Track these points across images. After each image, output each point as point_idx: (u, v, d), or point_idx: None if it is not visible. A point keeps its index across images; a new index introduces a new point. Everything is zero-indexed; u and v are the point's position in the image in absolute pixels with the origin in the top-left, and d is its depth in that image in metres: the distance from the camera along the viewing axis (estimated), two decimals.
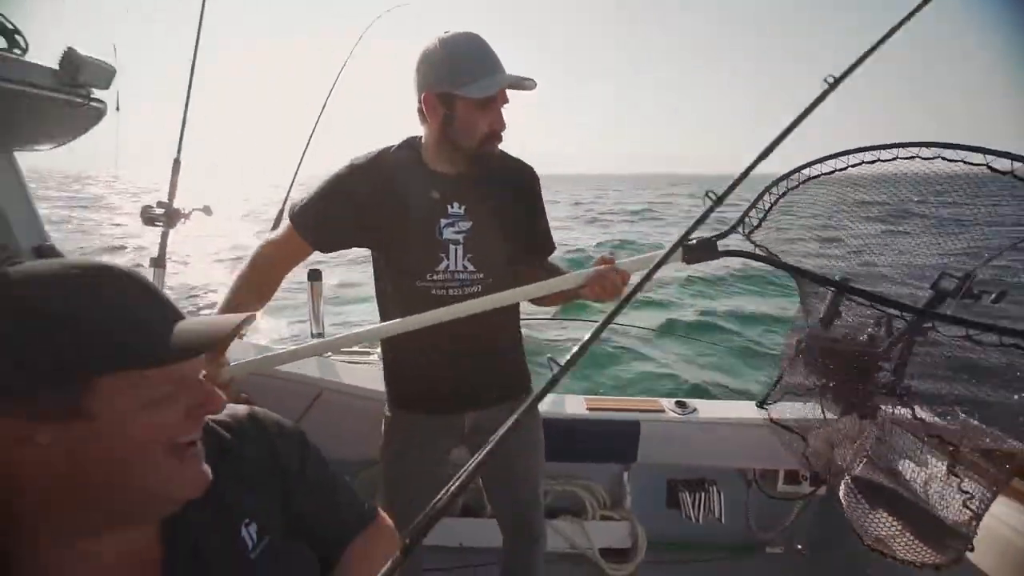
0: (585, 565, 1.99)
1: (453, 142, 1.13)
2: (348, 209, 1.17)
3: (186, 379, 0.52)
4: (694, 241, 1.03)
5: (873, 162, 1.05)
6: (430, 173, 1.19)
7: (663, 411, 1.98)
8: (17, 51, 1.49)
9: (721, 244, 1.06)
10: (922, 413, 1.14)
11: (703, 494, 2.07)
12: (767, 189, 1.10)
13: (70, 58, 1.50)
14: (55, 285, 0.47)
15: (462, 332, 1.10)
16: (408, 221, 1.17)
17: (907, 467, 1.24)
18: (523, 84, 1.11)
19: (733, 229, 1.09)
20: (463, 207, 1.19)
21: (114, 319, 0.48)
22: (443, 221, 1.18)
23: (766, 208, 1.10)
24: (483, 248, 1.21)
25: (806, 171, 1.09)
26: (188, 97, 1.92)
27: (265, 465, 0.67)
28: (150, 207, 1.89)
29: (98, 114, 1.67)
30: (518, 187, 1.28)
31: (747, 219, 1.10)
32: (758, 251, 1.10)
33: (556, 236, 1.37)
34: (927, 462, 1.20)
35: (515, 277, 1.25)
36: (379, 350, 1.62)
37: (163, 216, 1.92)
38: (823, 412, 1.36)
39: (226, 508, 0.60)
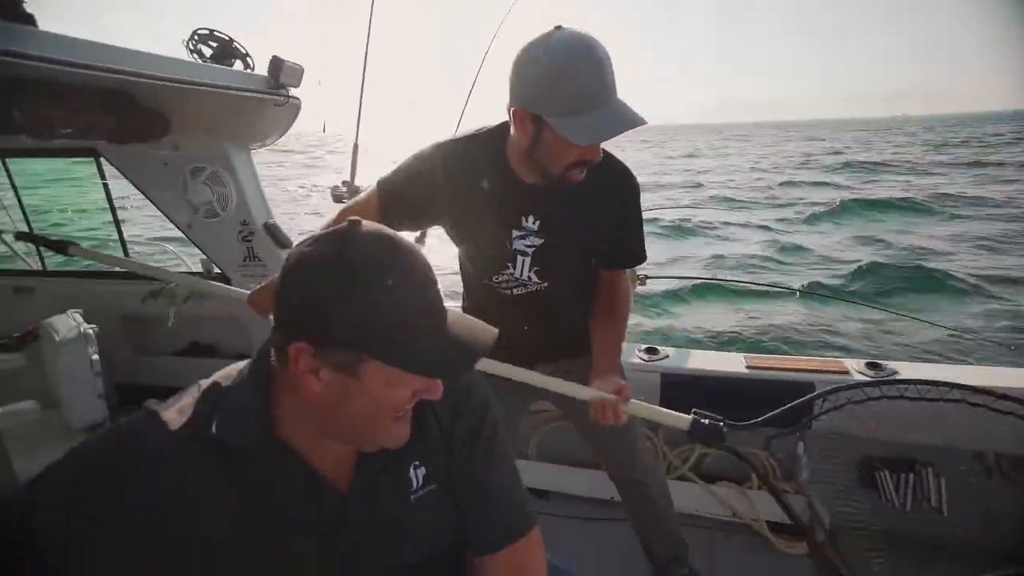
0: (748, 537, 1.77)
1: (536, 162, 1.04)
2: (425, 190, 1.12)
3: None
4: (706, 421, 1.19)
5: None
6: (512, 177, 1.11)
7: (847, 372, 1.64)
8: (248, 69, 1.94)
9: (731, 435, 1.17)
10: None
11: (911, 476, 1.65)
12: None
13: (275, 64, 1.89)
14: (388, 263, 0.56)
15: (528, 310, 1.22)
16: (481, 225, 1.15)
17: None
18: (631, 126, 0.94)
19: (749, 427, 1.19)
20: (537, 222, 1.14)
21: (408, 321, 0.57)
22: (515, 233, 1.15)
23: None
24: (552, 261, 1.18)
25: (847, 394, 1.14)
26: (363, 84, 2.22)
27: (447, 424, 0.72)
28: (337, 187, 2.26)
29: (297, 109, 2.07)
30: (611, 199, 1.16)
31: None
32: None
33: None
34: None
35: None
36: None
37: (347, 195, 2.28)
38: None
39: (406, 445, 0.65)
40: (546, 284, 1.20)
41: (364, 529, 0.65)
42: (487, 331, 0.63)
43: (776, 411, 1.33)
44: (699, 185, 20.06)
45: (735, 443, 1.82)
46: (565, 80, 0.93)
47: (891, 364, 1.64)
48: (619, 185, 1.17)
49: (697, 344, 5.52)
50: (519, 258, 1.17)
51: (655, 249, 10.75)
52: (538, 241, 1.15)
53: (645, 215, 1.23)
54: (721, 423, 1.19)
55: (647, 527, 1.55)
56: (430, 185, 1.12)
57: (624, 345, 1.96)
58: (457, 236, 1.22)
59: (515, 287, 1.21)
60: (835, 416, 1.63)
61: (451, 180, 1.11)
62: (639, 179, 1.19)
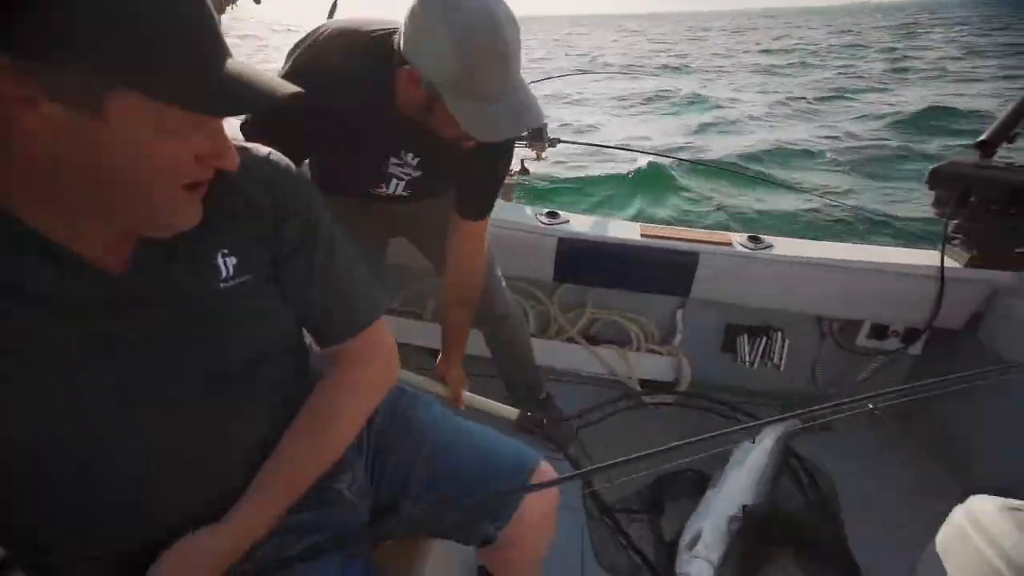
0: (621, 391, 1.96)
1: (425, 121, 0.97)
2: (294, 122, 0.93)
3: (206, 124, 0.50)
4: (529, 413, 1.34)
5: None
6: (395, 111, 1.00)
7: (730, 244, 1.72)
8: None
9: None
10: None
11: (764, 339, 1.87)
12: None
13: None
14: None
15: None
16: (356, 149, 1.09)
17: None
18: (531, 125, 1.00)
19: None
20: (416, 159, 1.14)
21: (174, 36, 0.44)
22: (393, 160, 1.14)
23: None
24: (422, 189, 1.22)
25: None
26: None
27: (264, 211, 0.62)
28: None
29: None
30: (489, 153, 1.10)
31: None
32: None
33: None
34: None
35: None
36: None
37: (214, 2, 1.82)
38: None
39: (208, 231, 0.57)
40: (416, 198, 1.26)
41: (165, 321, 0.57)
42: (282, 84, 0.51)
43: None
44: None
45: (626, 307, 1.96)
46: (468, 70, 0.85)
47: (770, 239, 1.74)
48: (505, 143, 1.13)
49: (599, 212, 5.68)
50: (393, 181, 1.18)
51: (567, 112, 10.63)
52: (415, 174, 1.17)
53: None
54: (543, 420, 1.44)
55: (509, 360, 1.68)
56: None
57: (527, 209, 1.92)
58: (328, 148, 1.12)
59: (384, 193, 1.22)
60: (709, 285, 1.77)
61: (327, 102, 0.93)
62: None
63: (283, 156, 0.67)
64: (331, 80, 0.94)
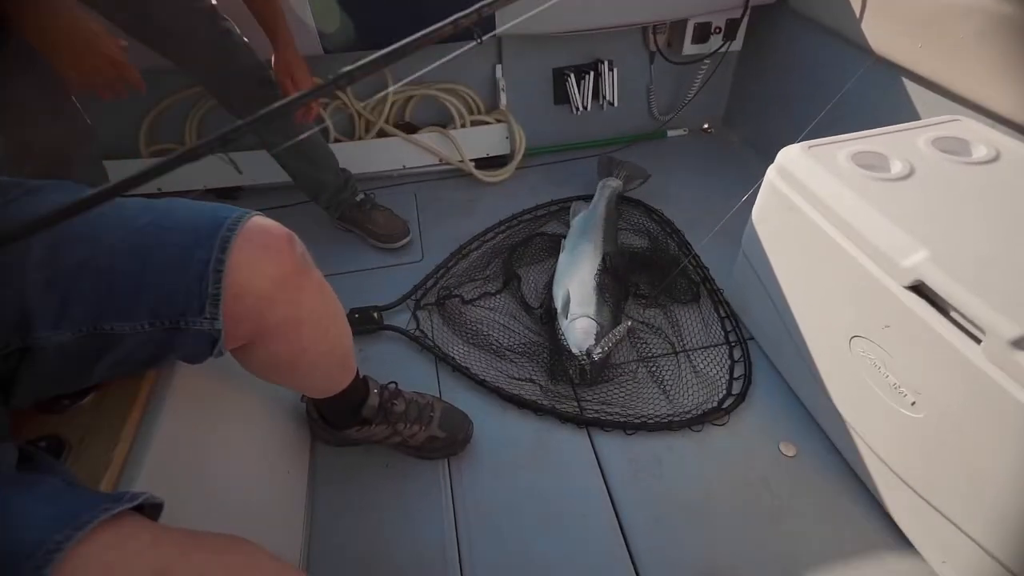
0: (460, 179, 1.73)
1: None
2: None
3: None
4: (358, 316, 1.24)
5: None
6: None
7: None
8: None
9: None
10: None
11: (593, 75, 1.65)
12: None
13: None
14: None
15: None
16: None
17: None
18: None
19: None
20: None
21: None
22: None
23: None
24: None
25: None
26: None
27: None
28: None
29: None
30: None
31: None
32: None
33: None
34: None
35: None
36: None
37: None
38: None
39: None
40: None
41: None
42: None
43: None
44: None
45: (437, 78, 1.61)
46: None
47: None
48: None
49: None
50: None
51: None
52: None
53: None
54: (372, 311, 1.26)
55: (309, 165, 1.39)
56: None
57: None
58: None
59: None
60: (522, 23, 1.44)
61: None
62: None
63: None
64: None
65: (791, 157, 0.97)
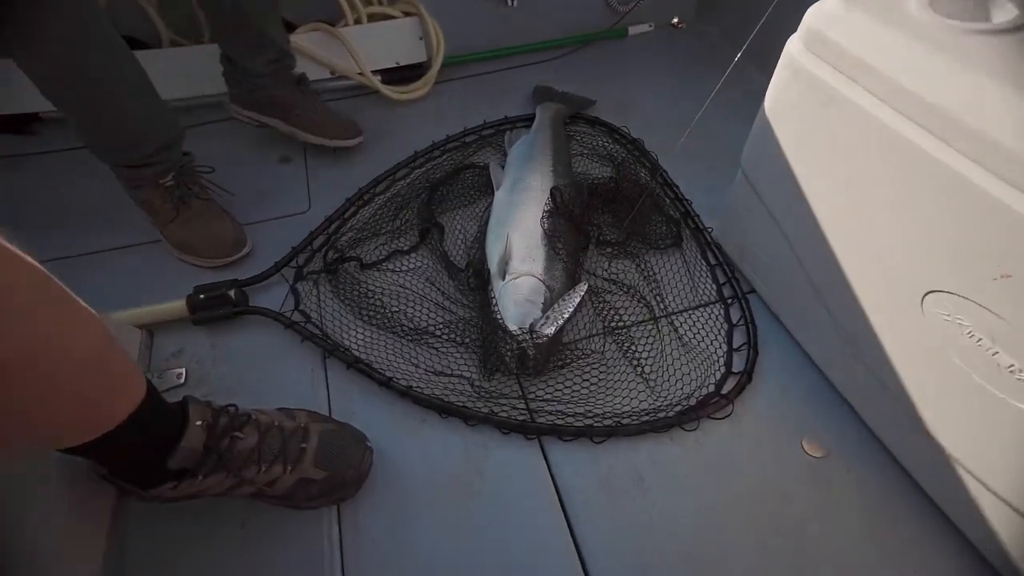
0: (359, 99, 1.31)
1: None
2: None
3: None
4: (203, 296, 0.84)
5: None
6: None
7: None
8: None
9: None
10: None
11: None
12: None
13: None
14: None
15: None
16: None
17: None
18: None
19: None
20: None
21: None
22: None
23: None
24: None
25: None
26: None
27: None
28: None
29: None
30: None
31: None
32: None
33: None
34: None
35: None
36: None
37: None
38: None
39: None
40: None
41: None
42: None
43: None
44: None
45: None
46: None
47: None
48: None
49: None
50: None
51: None
52: None
53: None
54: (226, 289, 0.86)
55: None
56: None
57: None
58: None
59: None
60: None
61: None
62: None
63: None
64: None
65: (828, 14, 0.62)
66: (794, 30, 0.66)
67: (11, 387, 0.41)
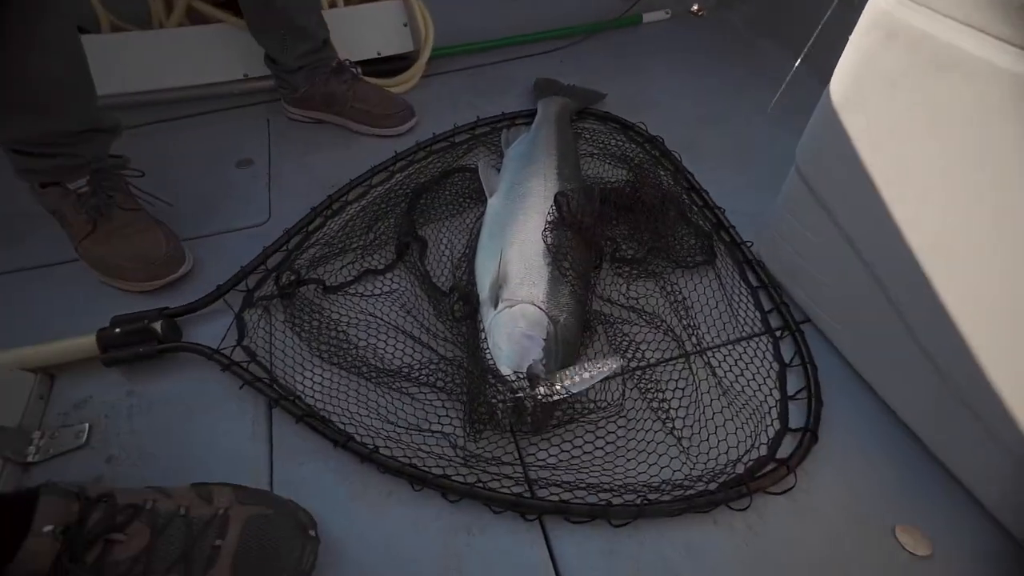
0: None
1: None
2: None
3: None
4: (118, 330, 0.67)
5: None
6: None
7: None
8: None
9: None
10: None
11: None
12: None
13: None
14: None
15: None
16: None
17: None
18: None
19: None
20: None
21: None
22: None
23: None
24: None
25: None
26: None
27: None
28: None
29: None
30: None
31: None
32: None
33: None
34: None
35: None
36: None
37: None
38: None
39: None
40: None
41: None
42: None
43: None
44: None
45: None
46: None
47: None
48: None
49: None
50: None
51: None
52: None
53: None
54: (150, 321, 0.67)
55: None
56: None
57: None
58: None
59: None
60: None
61: None
62: None
63: None
64: None
65: None
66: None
67: None
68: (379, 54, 1.13)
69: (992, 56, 0.42)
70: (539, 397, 0.58)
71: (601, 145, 0.99)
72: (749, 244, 0.80)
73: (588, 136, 1.00)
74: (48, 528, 0.40)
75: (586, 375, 0.59)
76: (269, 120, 1.08)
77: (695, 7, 1.34)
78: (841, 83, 0.56)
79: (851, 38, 0.53)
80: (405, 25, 1.12)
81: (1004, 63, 0.41)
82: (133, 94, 1.05)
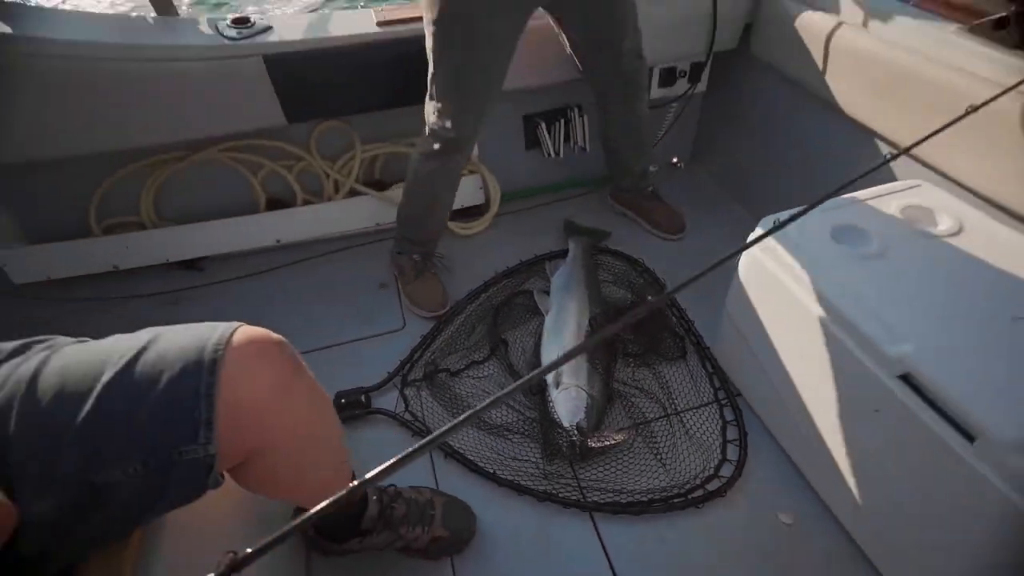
0: None
1: None
2: None
3: None
4: None
5: None
6: None
7: None
8: None
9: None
10: None
11: (563, 122, 1.64)
12: None
13: None
14: None
15: None
16: None
17: None
18: None
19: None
20: None
21: None
22: None
23: None
24: None
25: None
26: None
27: None
28: None
29: None
30: None
31: None
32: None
33: None
34: None
35: None
36: None
37: None
38: None
39: None
40: None
41: None
42: None
43: None
44: None
45: (401, 131, 1.56)
46: None
47: None
48: None
49: None
50: None
51: None
52: None
53: None
54: (359, 395, 1.22)
55: (637, 150, 1.58)
56: None
57: (201, 23, 1.30)
58: None
59: None
60: None
61: None
62: None
63: None
64: None
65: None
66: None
67: (314, 476, 0.73)
68: (462, 206, 1.68)
69: (787, 283, 0.94)
70: (585, 441, 1.07)
71: (615, 273, 1.51)
72: (708, 348, 1.30)
73: (605, 266, 1.52)
74: (374, 498, 0.89)
75: (608, 436, 1.09)
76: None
77: (675, 159, 1.90)
78: (743, 267, 1.07)
79: (740, 258, 1.05)
80: (480, 188, 1.67)
81: (794, 289, 0.93)
82: (314, 241, 1.60)
